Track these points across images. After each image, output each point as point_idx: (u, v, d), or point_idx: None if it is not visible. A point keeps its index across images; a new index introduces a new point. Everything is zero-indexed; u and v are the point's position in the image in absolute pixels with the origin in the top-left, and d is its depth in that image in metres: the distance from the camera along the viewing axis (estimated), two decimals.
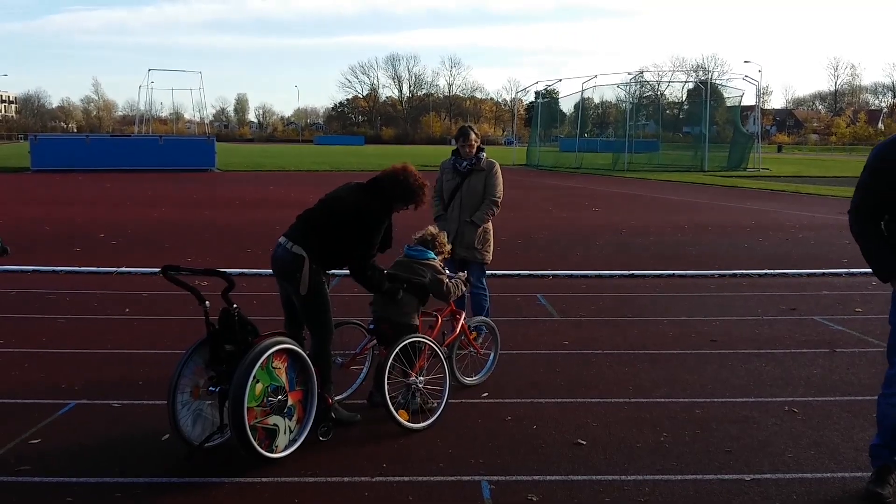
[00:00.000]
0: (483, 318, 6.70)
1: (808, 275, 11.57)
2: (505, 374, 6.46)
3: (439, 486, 4.50)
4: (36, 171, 35.04)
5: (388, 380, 5.27)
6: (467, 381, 6.16)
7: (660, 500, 4.37)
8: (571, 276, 11.35)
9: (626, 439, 5.19)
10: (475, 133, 7.21)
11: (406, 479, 4.57)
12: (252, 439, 4.52)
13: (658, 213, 20.54)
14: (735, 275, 11.47)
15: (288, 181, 30.95)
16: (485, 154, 7.23)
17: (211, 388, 4.74)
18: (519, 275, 11.29)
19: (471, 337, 6.20)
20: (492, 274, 10.85)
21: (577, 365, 6.85)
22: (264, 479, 4.53)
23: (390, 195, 5.37)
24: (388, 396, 5.15)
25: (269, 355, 4.67)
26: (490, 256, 7.30)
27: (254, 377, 4.57)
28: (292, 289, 5.18)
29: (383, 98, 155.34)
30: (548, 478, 4.61)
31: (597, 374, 6.58)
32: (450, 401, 5.63)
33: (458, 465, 4.75)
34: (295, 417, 4.89)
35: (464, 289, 5.89)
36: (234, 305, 4.68)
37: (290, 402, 4.83)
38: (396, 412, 5.23)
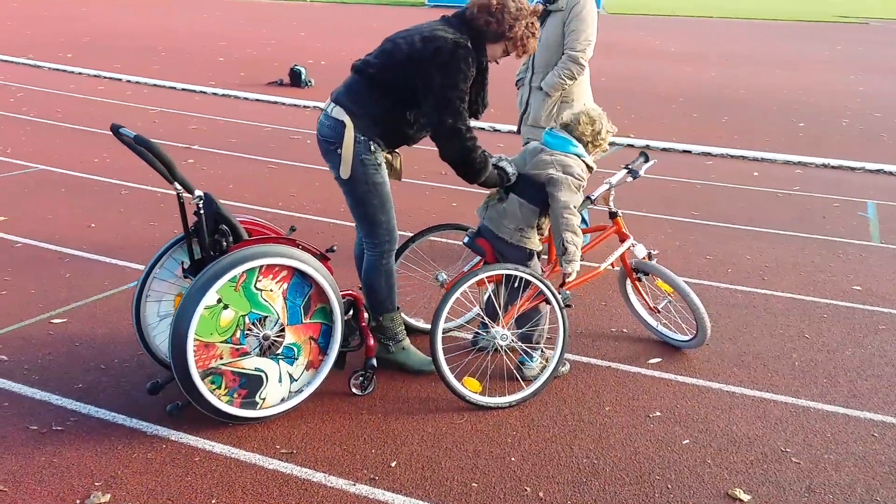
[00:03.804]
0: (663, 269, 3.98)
1: None
2: (721, 334, 4.26)
3: None
4: (432, 7, 35.78)
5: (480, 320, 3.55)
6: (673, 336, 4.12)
7: None
8: None
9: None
10: None
11: (348, 487, 2.88)
12: (202, 385, 3.12)
13: None
14: None
15: (682, 31, 27.65)
16: None
17: None
18: (850, 168, 8.19)
19: (635, 281, 4.05)
20: (809, 163, 8.06)
21: (844, 336, 4.35)
22: (188, 438, 3.14)
23: (476, 28, 3.42)
24: (440, 349, 3.39)
25: (249, 270, 3.15)
26: None
27: (217, 300, 3.11)
28: (333, 172, 3.56)
29: None
30: None
31: (867, 371, 4.07)
32: (576, 358, 3.71)
33: (444, 484, 2.92)
34: (302, 361, 3.37)
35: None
36: (199, 193, 3.17)
37: (290, 340, 3.31)
38: (460, 379, 3.47)
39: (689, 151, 8.67)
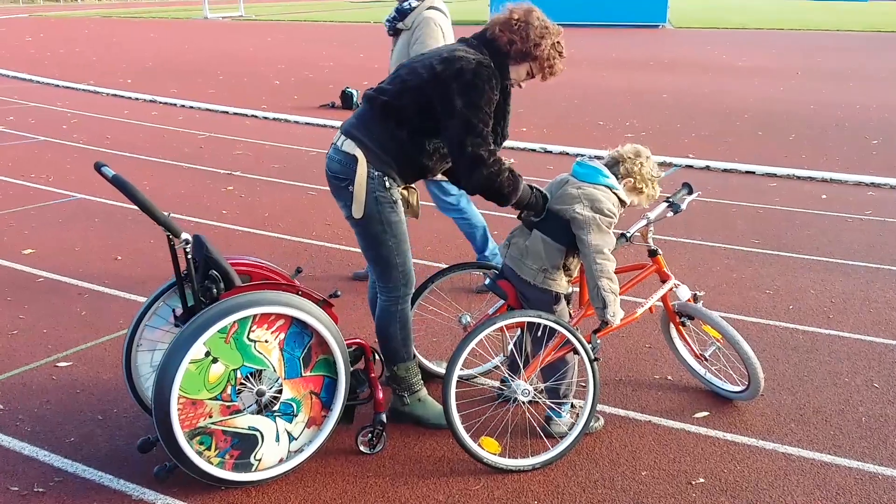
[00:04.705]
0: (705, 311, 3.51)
1: None
2: (778, 383, 3.82)
3: None
4: None
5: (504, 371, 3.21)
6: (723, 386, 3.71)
7: None
8: None
9: None
10: None
11: None
12: (188, 447, 2.84)
13: None
14: None
15: (752, 44, 26.78)
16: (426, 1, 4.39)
17: None
18: None
19: (678, 325, 3.63)
20: (883, 184, 7.46)
21: None
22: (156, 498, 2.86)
23: (498, 48, 3.12)
24: (454, 404, 3.05)
25: (242, 320, 2.88)
26: None
27: (205, 353, 2.84)
28: (345, 211, 3.26)
29: None
30: None
31: None
32: (612, 411, 3.32)
33: None
34: (302, 418, 3.08)
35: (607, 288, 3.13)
36: (185, 236, 2.91)
37: (288, 395, 3.02)
38: (476, 439, 3.13)
39: (753, 172, 8.17)
